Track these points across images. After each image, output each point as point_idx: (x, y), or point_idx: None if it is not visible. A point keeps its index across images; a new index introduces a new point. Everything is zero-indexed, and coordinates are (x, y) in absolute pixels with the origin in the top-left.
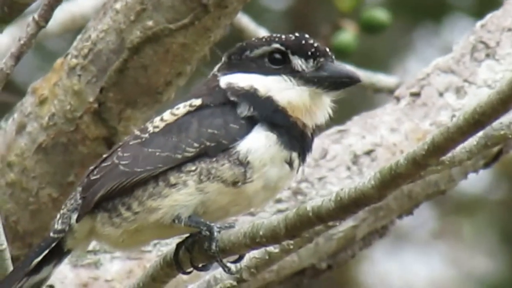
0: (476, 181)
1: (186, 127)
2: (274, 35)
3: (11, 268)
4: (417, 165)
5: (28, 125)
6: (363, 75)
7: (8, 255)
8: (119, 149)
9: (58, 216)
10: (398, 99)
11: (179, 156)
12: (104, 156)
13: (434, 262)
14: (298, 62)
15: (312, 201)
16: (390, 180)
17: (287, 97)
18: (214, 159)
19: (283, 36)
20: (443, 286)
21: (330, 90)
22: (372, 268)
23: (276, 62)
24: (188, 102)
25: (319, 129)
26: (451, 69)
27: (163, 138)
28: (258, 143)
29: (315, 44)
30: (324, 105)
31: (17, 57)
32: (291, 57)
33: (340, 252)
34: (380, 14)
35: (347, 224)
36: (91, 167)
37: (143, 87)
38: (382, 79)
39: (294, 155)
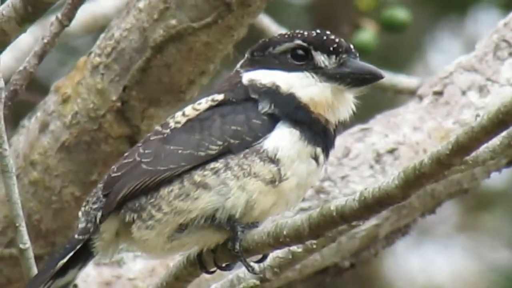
0: (496, 175)
1: (208, 124)
2: (297, 31)
3: (34, 266)
4: (441, 164)
5: (51, 124)
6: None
7: (31, 254)
8: (141, 145)
9: (81, 215)
10: (421, 97)
11: (202, 154)
12: (126, 154)
13: (456, 255)
14: (320, 58)
15: (336, 200)
16: (414, 180)
17: (309, 93)
18: (241, 156)
19: (306, 33)
20: (465, 280)
21: (352, 87)
22: (394, 263)
23: (299, 58)
24: (210, 97)
25: (342, 125)
26: (474, 67)
27: (185, 135)
28: (284, 139)
29: (337, 40)
30: (347, 101)
31: (41, 55)
32: (313, 53)
33: (362, 250)
34: (401, 13)
35: (370, 223)
36: (114, 166)
37: (166, 85)
38: (403, 80)
39: (319, 150)
